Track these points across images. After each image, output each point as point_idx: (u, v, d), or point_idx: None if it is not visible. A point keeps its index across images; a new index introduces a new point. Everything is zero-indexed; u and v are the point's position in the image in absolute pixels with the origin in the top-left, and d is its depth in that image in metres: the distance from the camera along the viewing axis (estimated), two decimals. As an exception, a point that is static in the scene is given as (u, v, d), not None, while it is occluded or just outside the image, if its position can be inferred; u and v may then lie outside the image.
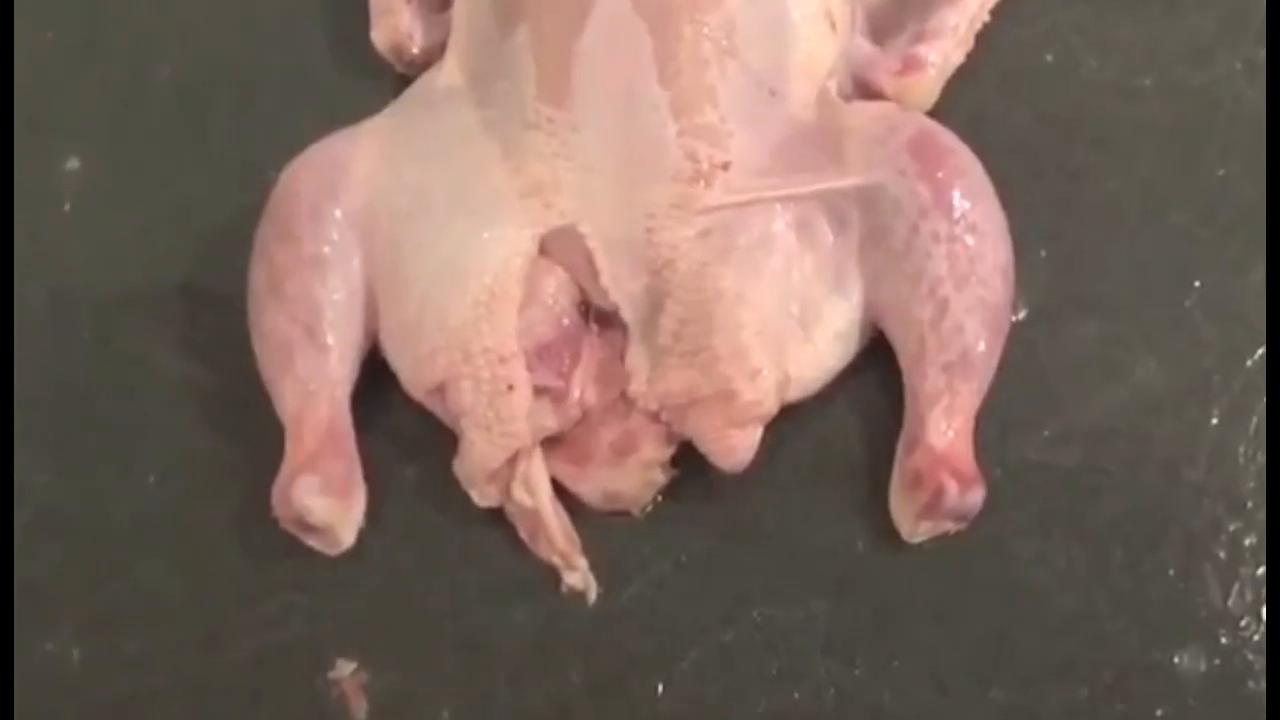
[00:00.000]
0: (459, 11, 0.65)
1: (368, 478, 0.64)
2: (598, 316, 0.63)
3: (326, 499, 0.61)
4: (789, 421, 0.63)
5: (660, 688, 0.60)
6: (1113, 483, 0.61)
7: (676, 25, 0.61)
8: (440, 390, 0.61)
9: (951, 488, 0.59)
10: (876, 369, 0.63)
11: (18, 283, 0.68)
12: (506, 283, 0.61)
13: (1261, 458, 0.60)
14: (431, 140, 0.65)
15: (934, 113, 0.65)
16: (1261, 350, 0.62)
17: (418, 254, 0.62)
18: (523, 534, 0.63)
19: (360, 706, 0.61)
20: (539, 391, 0.61)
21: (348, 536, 0.63)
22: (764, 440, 0.61)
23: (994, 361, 0.62)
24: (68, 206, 0.70)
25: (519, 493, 0.62)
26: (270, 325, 0.63)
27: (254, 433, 0.65)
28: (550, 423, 0.62)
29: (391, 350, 0.63)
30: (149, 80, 0.72)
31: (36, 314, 0.68)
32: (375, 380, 0.64)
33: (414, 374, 0.62)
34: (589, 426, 0.62)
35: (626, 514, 0.63)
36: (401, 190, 0.64)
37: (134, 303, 0.68)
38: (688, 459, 0.62)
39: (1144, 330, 0.63)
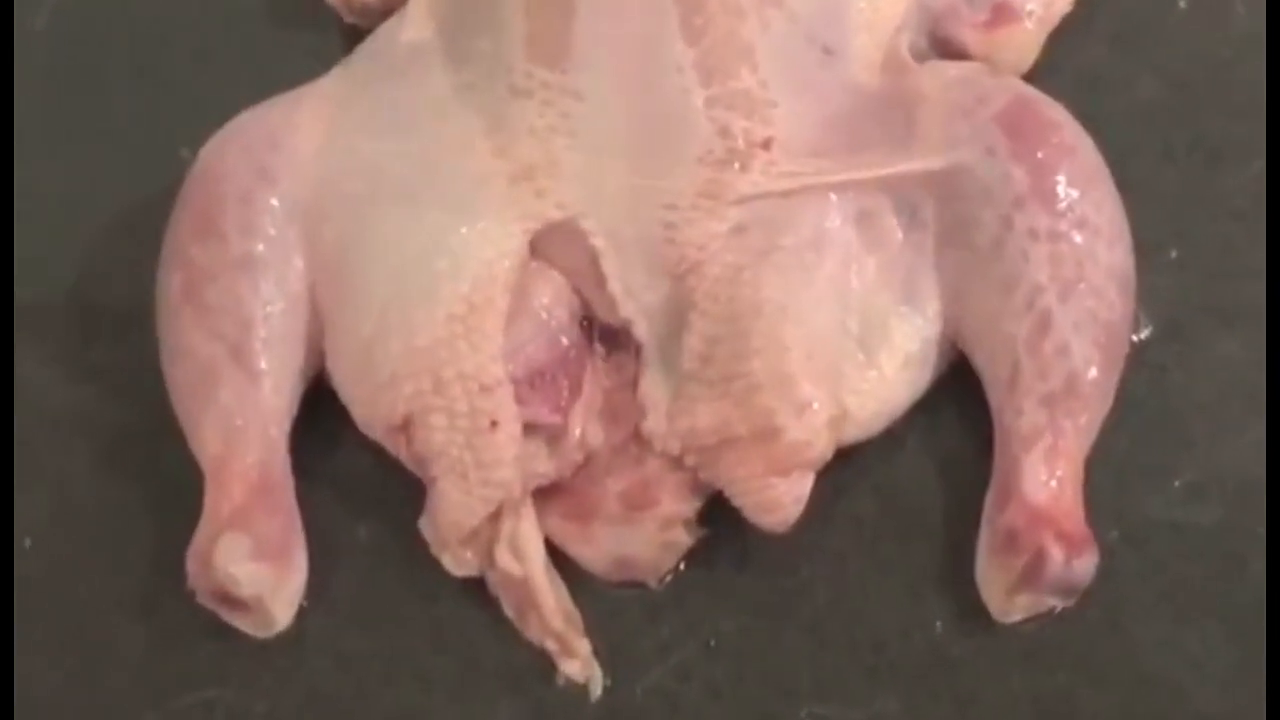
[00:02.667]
0: (427, -57, 0.69)
1: (311, 538, 0.65)
2: (603, 335, 0.65)
3: (257, 565, 0.62)
4: (847, 468, 0.64)
5: (684, 809, 0.63)
6: (1261, 547, 0.63)
7: (703, -37, 0.64)
8: (404, 428, 0.62)
9: (1055, 553, 0.60)
10: (957, 402, 0.65)
11: None
12: (489, 291, 0.62)
13: None
14: (393, 110, 0.66)
15: (1032, 76, 0.67)
16: None
17: (376, 254, 0.64)
18: (509, 611, 0.64)
19: (299, 833, 0.63)
20: (529, 429, 0.63)
21: (284, 614, 0.64)
22: (815, 492, 0.62)
23: (1109, 392, 0.63)
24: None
25: (504, 558, 0.63)
26: (187, 344, 0.64)
27: (163, 481, 0.66)
28: (544, 469, 0.63)
29: (342, 376, 0.65)
30: (24, 32, 0.73)
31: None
32: (320, 414, 0.66)
33: (371, 407, 0.63)
34: (593, 474, 0.64)
35: (641, 585, 0.64)
36: (355, 173, 0.65)
37: (11, 317, 0.69)
38: (718, 516, 0.64)
39: (1301, 351, 0.66)
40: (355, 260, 0.64)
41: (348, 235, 0.65)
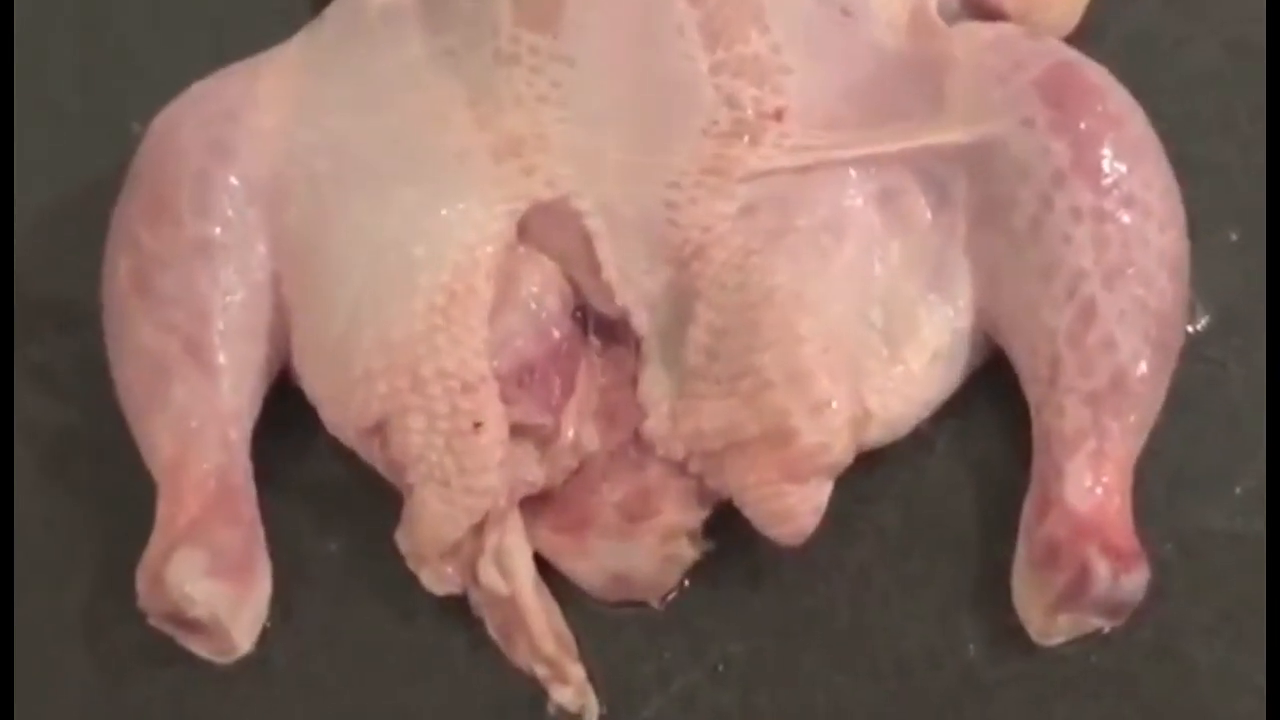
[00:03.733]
0: (403, -109, 0.68)
1: (275, 553, 0.65)
2: (599, 327, 0.66)
3: (215, 583, 0.63)
4: (869, 474, 0.65)
5: None
6: (1329, 561, 0.64)
7: (708, -90, 0.64)
8: (378, 430, 0.63)
9: (1101, 568, 0.60)
10: (992, 401, 0.65)
11: None
12: (472, 279, 0.63)
13: None
14: (365, 79, 0.67)
15: (1075, 39, 0.68)
16: None
17: (346, 239, 0.64)
18: (494, 633, 0.64)
19: None
20: (517, 431, 0.63)
21: (245, 638, 0.65)
22: (834, 501, 0.63)
23: (1160, 390, 0.63)
24: None
25: (489, 575, 0.63)
26: (137, 338, 0.65)
27: (111, 490, 0.67)
28: (534, 475, 0.64)
29: (310, 373, 0.65)
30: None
31: None
32: (286, 415, 0.66)
33: (342, 407, 0.64)
34: (588, 481, 0.64)
35: (641, 604, 0.65)
36: (322, 149, 0.66)
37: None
38: (727, 527, 0.64)
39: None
40: (323, 245, 0.65)
41: (315, 218, 0.65)
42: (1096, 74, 0.65)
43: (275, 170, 0.66)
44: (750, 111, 0.64)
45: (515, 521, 0.64)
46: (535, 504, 0.65)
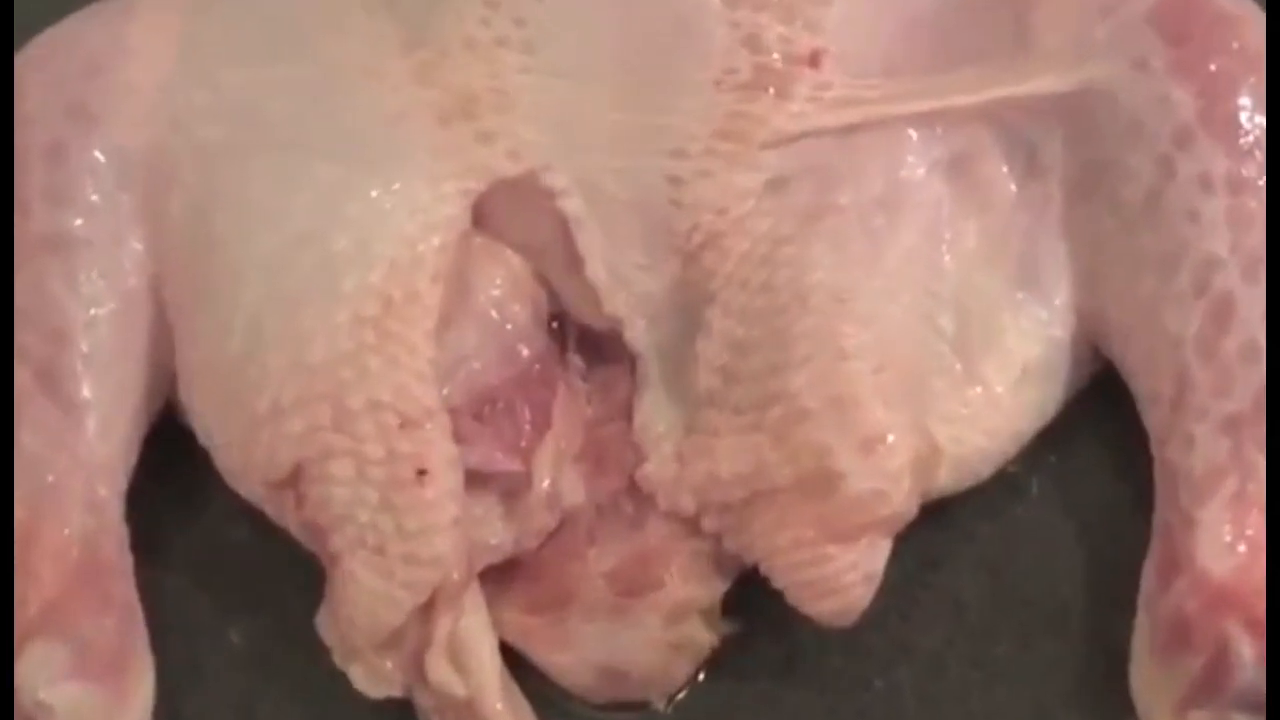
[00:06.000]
0: None
1: (159, 645, 0.65)
2: (582, 342, 0.66)
3: (79, 686, 0.62)
4: (940, 531, 0.64)
5: None
6: None
7: None
8: (292, 482, 0.62)
9: (1245, 649, 0.60)
10: (1099, 431, 0.65)
11: None
12: (412, 281, 0.63)
13: None
14: (268, 22, 0.66)
15: None
16: None
17: (246, 230, 0.64)
18: None
19: None
20: (476, 481, 0.63)
21: None
22: (894, 567, 0.62)
23: None
24: None
25: (440, 671, 0.62)
26: None
27: None
28: (498, 539, 0.64)
29: (201, 409, 0.65)
30: None
31: None
32: (172, 464, 0.66)
33: (243, 452, 0.63)
34: (570, 546, 0.64)
35: (641, 707, 0.64)
36: (215, 113, 0.66)
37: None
38: (752, 604, 0.64)
39: None
40: (217, 239, 0.64)
41: (206, 203, 0.65)
42: (1229, 0, 0.65)
43: (154, 141, 0.66)
44: (777, 55, 0.64)
45: (475, 600, 0.63)
46: (501, 576, 0.64)
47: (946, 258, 0.64)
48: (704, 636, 0.64)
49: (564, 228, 0.64)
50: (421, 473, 0.61)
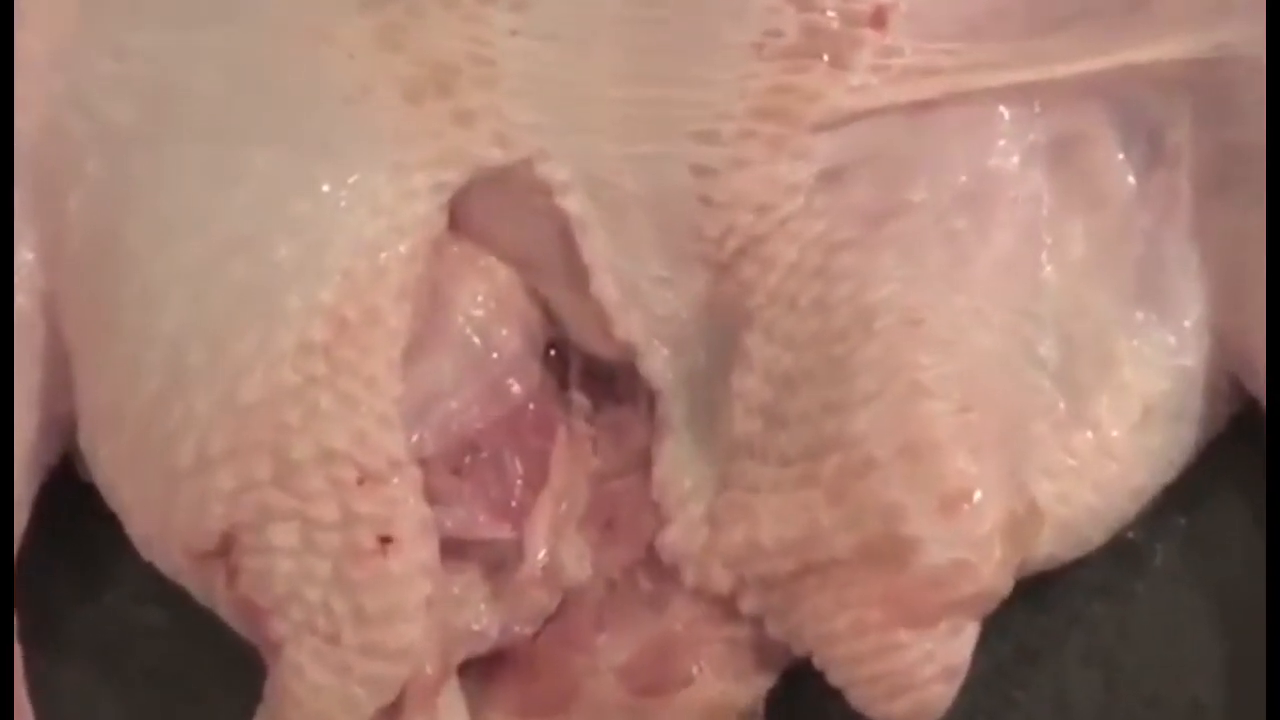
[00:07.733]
0: None
1: None
2: (585, 374, 0.65)
3: None
4: (1042, 610, 0.63)
5: None
6: None
7: None
8: (222, 553, 0.61)
9: None
10: (1242, 486, 0.64)
11: None
12: (374, 299, 0.62)
13: None
14: None
15: None
16: None
17: (166, 235, 0.62)
18: None
19: None
20: (455, 552, 0.61)
21: None
22: (984, 659, 0.61)
23: None
24: None
25: None
26: None
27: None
28: (483, 624, 0.62)
29: (107, 461, 0.64)
30: None
31: None
32: (73, 529, 0.66)
33: (160, 515, 0.62)
34: (574, 632, 0.63)
35: None
36: (127, 88, 0.64)
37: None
38: (802, 703, 0.63)
39: None
40: (127, 248, 0.64)
41: (113, 201, 0.65)
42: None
43: (48, 123, 0.66)
44: (832, 14, 0.64)
45: (454, 702, 0.63)
46: (487, 672, 0.64)
47: (1047, 269, 0.63)
48: (741, 750, 0.61)
49: (563, 231, 0.64)
50: (385, 540, 0.61)
